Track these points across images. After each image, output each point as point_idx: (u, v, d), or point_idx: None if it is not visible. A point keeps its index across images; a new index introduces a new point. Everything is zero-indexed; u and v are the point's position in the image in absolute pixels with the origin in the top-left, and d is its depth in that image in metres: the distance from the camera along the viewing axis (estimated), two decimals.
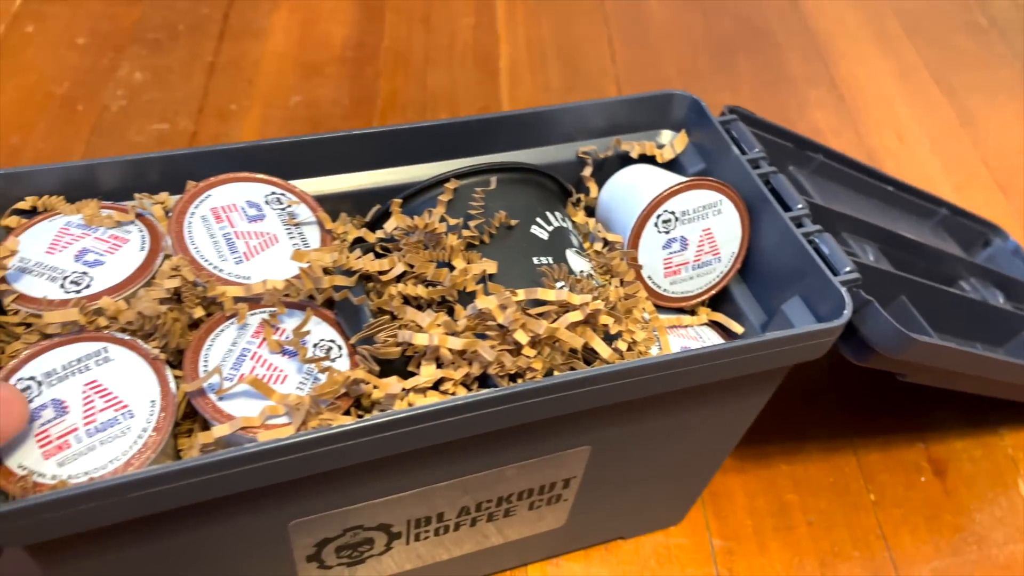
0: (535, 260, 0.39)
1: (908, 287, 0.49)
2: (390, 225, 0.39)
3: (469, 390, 0.37)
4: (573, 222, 0.45)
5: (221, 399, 0.34)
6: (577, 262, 0.41)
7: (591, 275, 0.40)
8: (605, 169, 0.49)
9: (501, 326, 0.35)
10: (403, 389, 0.35)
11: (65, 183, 0.39)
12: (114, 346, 0.35)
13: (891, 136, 0.84)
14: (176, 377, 0.35)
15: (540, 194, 0.43)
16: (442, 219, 0.39)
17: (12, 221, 0.38)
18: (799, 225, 0.43)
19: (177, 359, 0.36)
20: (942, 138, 0.84)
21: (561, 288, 0.37)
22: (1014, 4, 1.01)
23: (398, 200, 0.41)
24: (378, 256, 0.39)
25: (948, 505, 0.57)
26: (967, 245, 0.66)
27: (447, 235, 0.38)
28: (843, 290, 0.39)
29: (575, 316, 0.36)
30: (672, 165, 0.49)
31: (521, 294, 0.36)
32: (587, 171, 0.48)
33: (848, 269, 0.41)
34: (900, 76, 0.90)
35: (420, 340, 0.34)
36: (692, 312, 0.47)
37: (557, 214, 0.43)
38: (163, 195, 0.40)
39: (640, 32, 0.94)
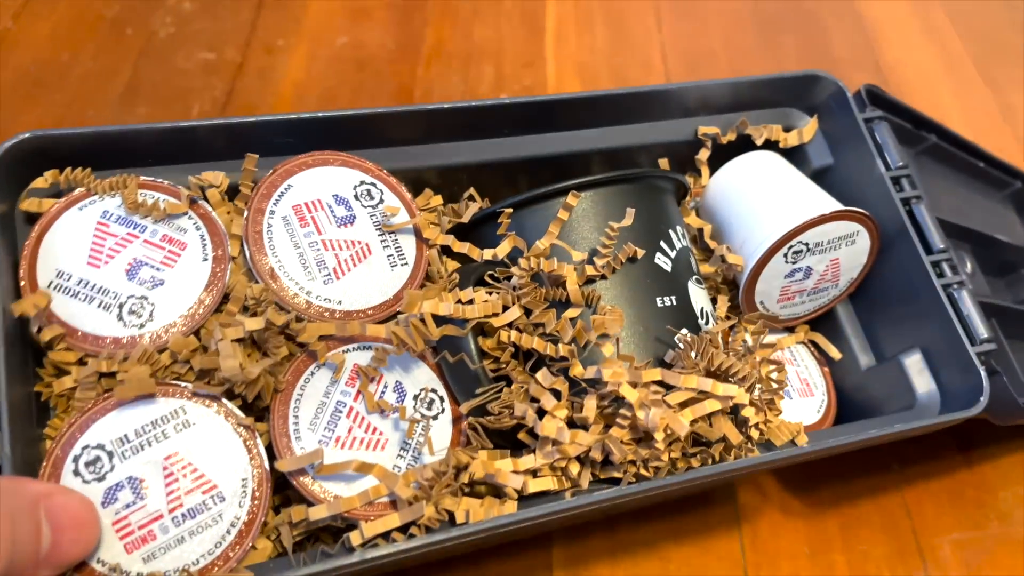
0: (659, 302, 0.34)
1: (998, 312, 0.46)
2: (503, 250, 0.33)
3: (583, 465, 0.31)
4: (685, 228, 0.39)
5: (314, 479, 0.27)
6: (698, 296, 0.36)
7: (713, 318, 0.36)
8: (726, 150, 0.42)
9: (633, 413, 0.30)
10: (514, 471, 0.29)
11: (94, 147, 0.30)
12: (193, 405, 0.28)
13: None
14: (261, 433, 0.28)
15: (666, 205, 0.37)
16: (559, 246, 0.33)
17: (33, 204, 0.28)
18: (939, 273, 0.38)
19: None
20: (984, 131, 0.83)
21: (695, 358, 0.32)
22: None
23: (508, 211, 0.34)
24: (485, 284, 0.32)
25: (971, 480, 0.57)
26: None
27: (565, 266, 0.32)
28: (982, 371, 0.35)
29: (713, 405, 0.31)
30: (795, 153, 0.43)
31: (658, 374, 0.31)
32: (704, 154, 0.42)
33: (985, 337, 0.37)
34: (945, 67, 0.90)
35: (548, 431, 0.29)
36: (790, 329, 0.42)
37: (679, 229, 0.37)
38: (219, 175, 0.31)
39: (688, 3, 0.92)
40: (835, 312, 0.42)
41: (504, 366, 0.32)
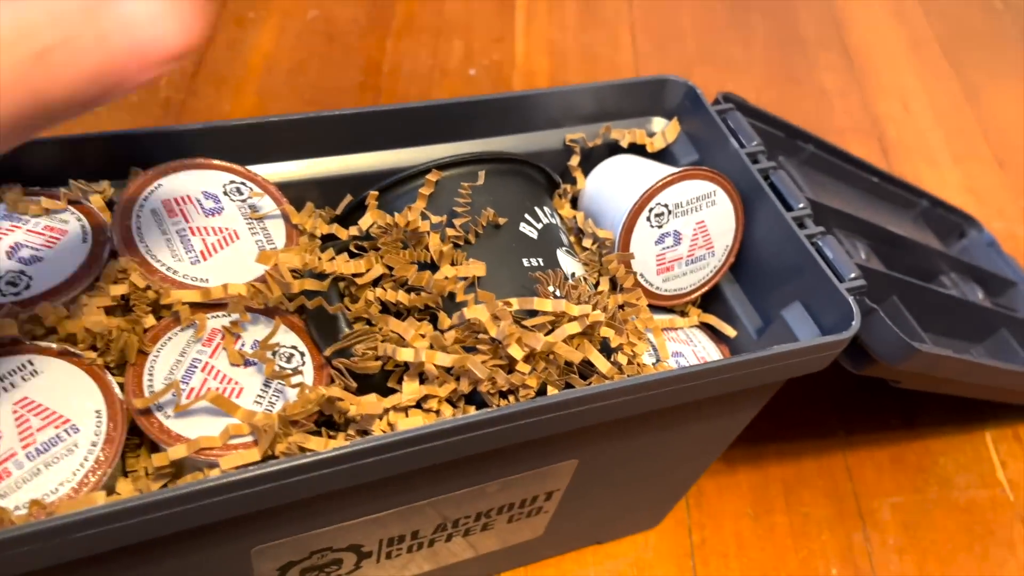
0: (525, 262, 0.36)
1: (898, 287, 0.48)
2: (366, 222, 0.35)
3: (455, 407, 0.33)
4: (561, 217, 0.42)
5: (170, 418, 0.30)
6: (568, 263, 0.38)
7: (584, 278, 0.37)
8: (593, 158, 0.45)
9: (493, 339, 0.32)
10: (384, 409, 0.31)
11: None
12: (40, 357, 0.31)
13: (896, 104, 0.84)
14: (120, 385, 0.31)
15: (528, 187, 0.40)
16: (424, 215, 0.35)
17: None
18: (801, 226, 0.40)
19: (123, 371, 0.32)
20: (946, 111, 0.85)
21: (556, 296, 0.34)
22: None
23: (374, 192, 0.37)
24: (352, 256, 0.35)
25: (914, 447, 0.58)
26: (944, 236, 0.65)
27: (429, 234, 0.35)
28: (851, 299, 0.37)
29: (573, 328, 0.33)
30: (664, 155, 0.46)
31: (515, 303, 0.33)
32: (574, 160, 0.45)
33: (853, 276, 0.38)
34: (911, 48, 0.91)
35: (404, 355, 0.31)
36: (683, 312, 0.44)
37: (546, 209, 0.39)
38: (103, 184, 0.35)
39: None
40: (721, 290, 0.43)
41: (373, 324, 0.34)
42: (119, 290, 0.31)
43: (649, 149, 0.45)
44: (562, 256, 0.38)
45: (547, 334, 0.33)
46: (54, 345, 0.31)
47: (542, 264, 0.36)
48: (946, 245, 0.65)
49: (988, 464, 0.58)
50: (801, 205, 0.40)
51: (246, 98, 0.70)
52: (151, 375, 0.31)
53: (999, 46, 0.93)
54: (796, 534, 0.53)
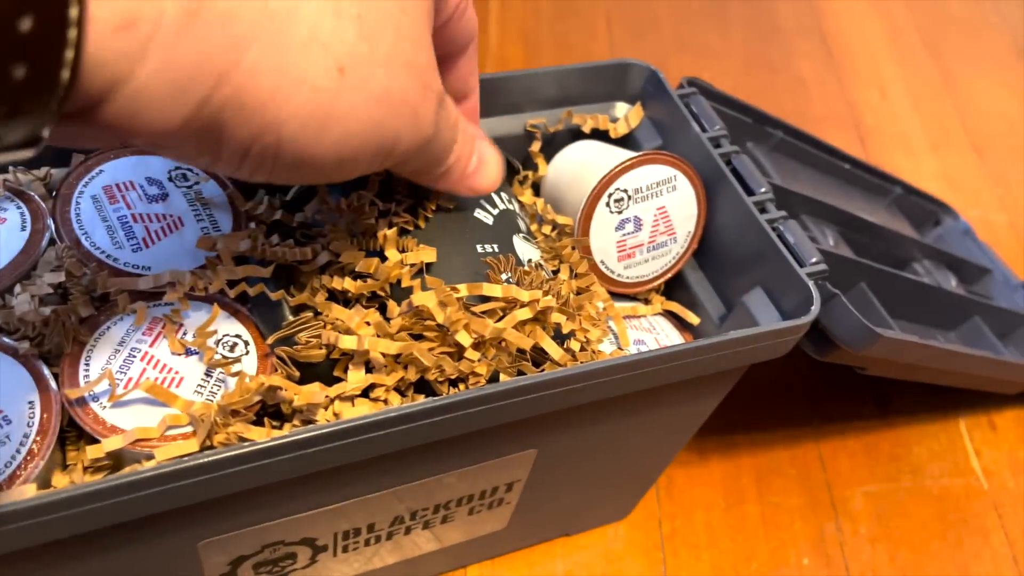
0: (479, 248, 0.35)
1: (867, 273, 0.47)
2: (312, 208, 0.35)
3: (403, 396, 0.33)
4: (520, 203, 0.41)
5: (105, 408, 0.30)
6: (525, 250, 0.37)
7: (540, 265, 0.37)
8: (555, 144, 0.45)
9: (441, 326, 0.31)
10: (327, 397, 0.30)
11: None
12: None
13: (874, 91, 0.84)
14: (55, 375, 0.31)
15: None
16: (372, 203, 0.34)
17: None
18: (762, 210, 0.39)
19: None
20: (924, 98, 0.84)
21: (508, 282, 0.33)
22: None
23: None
24: (299, 244, 0.34)
25: (887, 436, 0.58)
26: (918, 224, 0.64)
27: (377, 220, 0.34)
28: (811, 284, 0.36)
29: (524, 314, 0.32)
30: (626, 141, 0.45)
31: (463, 289, 0.32)
32: (535, 146, 0.44)
33: (815, 260, 0.38)
34: (890, 35, 0.91)
35: (346, 343, 0.30)
36: (646, 300, 0.43)
37: (503, 195, 0.38)
38: (43, 170, 0.34)
39: None
40: (685, 277, 0.43)
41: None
42: (55, 278, 0.31)
43: (612, 135, 0.45)
44: (519, 242, 0.37)
45: (498, 321, 0.32)
46: None
47: (496, 250, 0.35)
48: (921, 233, 0.64)
49: (962, 452, 0.58)
50: (763, 190, 0.40)
51: None
52: (87, 365, 0.30)
53: (978, 33, 0.93)
54: (767, 524, 0.53)
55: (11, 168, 0.34)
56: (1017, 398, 0.60)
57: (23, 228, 0.33)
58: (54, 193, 0.33)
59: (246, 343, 0.32)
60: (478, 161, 0.32)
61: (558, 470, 0.40)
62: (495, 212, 0.37)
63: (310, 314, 0.32)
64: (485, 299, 0.32)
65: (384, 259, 0.33)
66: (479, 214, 0.36)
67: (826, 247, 0.47)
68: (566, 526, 0.49)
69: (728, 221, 0.41)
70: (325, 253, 0.33)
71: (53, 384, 0.30)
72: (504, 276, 0.34)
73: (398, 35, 0.24)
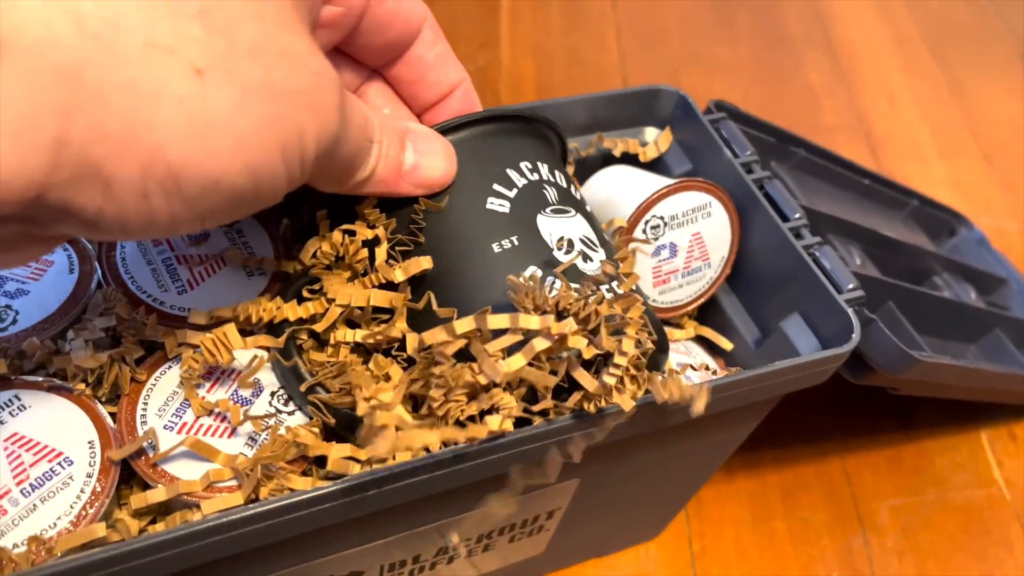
0: (495, 247, 0.31)
1: (893, 292, 0.48)
2: (307, 253, 0.32)
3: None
4: (554, 167, 0.35)
5: (159, 461, 0.30)
6: (556, 227, 0.32)
7: (583, 240, 0.33)
8: (587, 166, 0.45)
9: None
10: (357, 461, 0.30)
11: None
12: (28, 392, 0.30)
13: (883, 100, 0.84)
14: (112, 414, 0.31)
15: (502, 145, 0.34)
16: (349, 232, 0.32)
17: None
18: (798, 236, 0.40)
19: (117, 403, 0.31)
20: (932, 106, 0.85)
21: (528, 310, 0.29)
22: None
23: (323, 212, 0.33)
24: (302, 300, 0.33)
25: (910, 448, 0.58)
26: (934, 235, 0.65)
27: (375, 252, 0.32)
28: (850, 311, 0.37)
29: (541, 343, 0.29)
30: (656, 165, 0.45)
31: (460, 327, 0.28)
32: (569, 170, 0.44)
33: (852, 287, 0.38)
34: (896, 43, 0.91)
35: (381, 419, 0.29)
36: (679, 325, 0.44)
37: (524, 165, 0.33)
38: None
39: None
40: (718, 301, 0.43)
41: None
42: (106, 323, 0.31)
43: (641, 159, 0.45)
44: (546, 222, 0.33)
45: (510, 354, 0.29)
46: (42, 379, 0.30)
47: (516, 243, 0.32)
48: (937, 244, 0.65)
49: (984, 463, 0.58)
50: (797, 215, 0.40)
51: None
52: (145, 404, 0.31)
53: (983, 40, 0.93)
54: (796, 540, 0.53)
55: None
56: None
57: (71, 271, 0.33)
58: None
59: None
60: (416, 155, 0.30)
61: (597, 497, 0.41)
62: (512, 193, 0.33)
63: (335, 368, 0.32)
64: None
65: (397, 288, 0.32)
66: (492, 203, 0.32)
67: (854, 267, 0.47)
68: (599, 548, 0.49)
69: (762, 246, 0.41)
70: (334, 307, 0.32)
71: (110, 421, 0.30)
72: (528, 302, 0.30)
73: (262, 23, 0.22)
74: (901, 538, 0.54)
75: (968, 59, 0.90)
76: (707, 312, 0.44)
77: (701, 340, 0.44)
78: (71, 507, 0.28)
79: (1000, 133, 0.83)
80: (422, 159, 0.30)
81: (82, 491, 0.28)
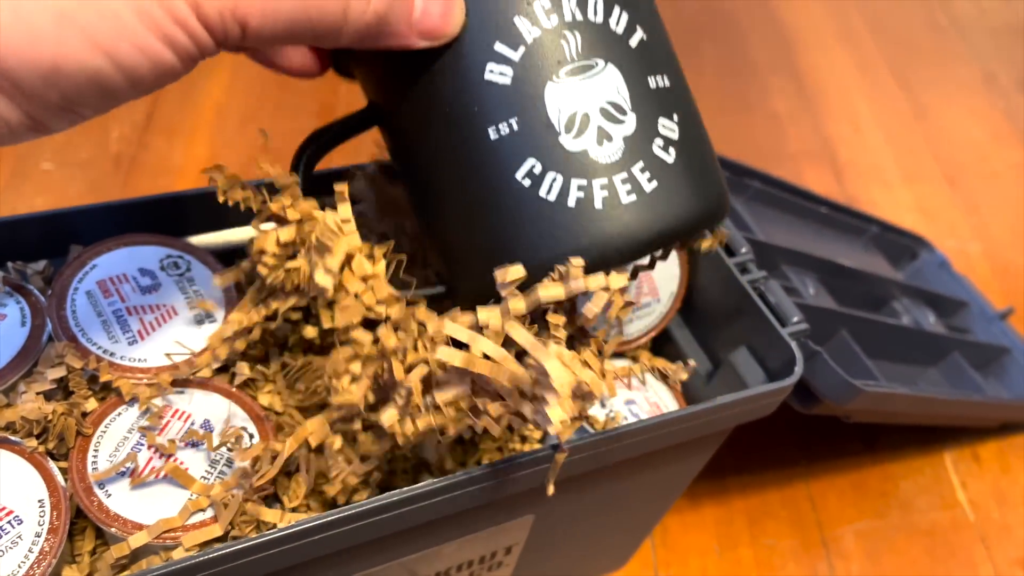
0: (492, 133, 0.25)
1: (847, 321, 0.49)
2: (266, 242, 0.28)
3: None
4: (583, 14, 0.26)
5: (111, 497, 0.30)
6: (562, 98, 0.25)
7: (593, 116, 0.25)
8: None
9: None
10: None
11: None
12: None
13: (847, 126, 0.86)
14: (63, 470, 0.31)
15: None
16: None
17: None
18: (744, 271, 0.41)
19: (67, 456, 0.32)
20: (896, 130, 0.86)
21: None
22: (975, 5, 1.04)
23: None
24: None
25: (875, 472, 0.59)
26: (896, 259, 0.66)
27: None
28: (793, 344, 0.37)
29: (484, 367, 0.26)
30: None
31: (430, 325, 0.25)
32: None
33: (796, 320, 0.39)
34: (860, 69, 0.93)
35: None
36: (634, 358, 0.44)
37: (541, 4, 0.25)
38: (42, 263, 0.35)
39: None
40: (671, 333, 0.44)
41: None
42: (56, 373, 0.31)
43: None
44: (555, 91, 0.25)
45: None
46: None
47: (516, 127, 0.25)
48: (898, 268, 0.66)
49: (948, 485, 0.59)
50: (744, 250, 0.41)
51: (198, 148, 0.69)
52: (95, 455, 0.31)
53: (945, 63, 0.95)
54: (761, 567, 0.54)
55: (8, 264, 0.35)
56: (999, 430, 0.61)
57: (23, 324, 0.33)
58: (49, 292, 0.34)
59: (251, 436, 0.33)
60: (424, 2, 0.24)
61: (555, 532, 0.41)
62: (518, 55, 0.25)
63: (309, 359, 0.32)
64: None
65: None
66: (491, 72, 0.25)
67: (807, 297, 0.48)
68: None
69: (710, 281, 0.42)
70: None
71: (61, 480, 0.30)
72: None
73: None
74: (866, 563, 0.54)
75: (931, 83, 0.92)
76: (661, 343, 0.45)
77: (657, 370, 0.44)
78: (19, 566, 0.28)
79: (963, 156, 0.84)
80: (433, 5, 0.24)
81: (30, 550, 0.29)
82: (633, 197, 0.25)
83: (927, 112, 0.89)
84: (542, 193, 0.25)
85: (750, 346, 0.40)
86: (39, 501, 0.30)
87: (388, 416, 0.27)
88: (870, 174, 0.81)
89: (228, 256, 0.38)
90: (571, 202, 0.25)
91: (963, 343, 0.57)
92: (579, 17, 0.25)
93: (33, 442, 0.31)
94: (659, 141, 0.26)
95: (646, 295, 0.42)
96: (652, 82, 0.26)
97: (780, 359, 0.38)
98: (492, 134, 0.25)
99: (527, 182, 0.25)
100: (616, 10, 0.26)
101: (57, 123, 0.22)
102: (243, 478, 0.30)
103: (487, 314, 0.25)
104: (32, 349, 0.33)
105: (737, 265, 0.40)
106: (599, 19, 0.26)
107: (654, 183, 0.26)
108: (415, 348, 0.26)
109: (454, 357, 0.25)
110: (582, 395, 0.25)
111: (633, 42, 0.26)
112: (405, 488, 0.30)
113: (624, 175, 0.25)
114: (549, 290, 0.25)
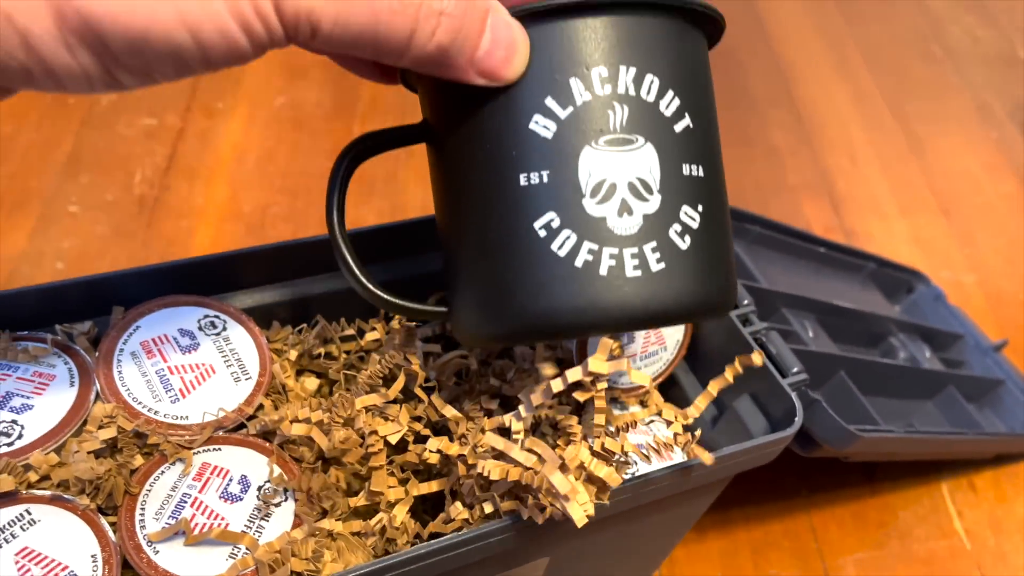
0: (523, 179, 0.26)
1: (844, 363, 0.51)
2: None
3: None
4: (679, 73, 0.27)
5: (159, 554, 0.33)
6: (595, 164, 0.26)
7: (619, 187, 0.26)
8: None
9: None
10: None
11: None
12: (37, 506, 0.32)
13: (844, 158, 0.88)
14: (112, 524, 0.33)
15: (577, 44, 0.26)
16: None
17: None
18: (746, 323, 0.43)
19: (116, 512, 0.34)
20: (892, 162, 0.89)
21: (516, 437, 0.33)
22: (969, 36, 1.06)
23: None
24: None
25: (874, 503, 0.61)
26: (892, 293, 0.68)
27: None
28: (794, 395, 0.40)
29: (516, 474, 0.32)
30: None
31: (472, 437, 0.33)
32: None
33: (796, 370, 0.41)
34: (856, 101, 0.95)
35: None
36: (643, 403, 0.46)
37: (599, 72, 0.26)
38: (87, 324, 0.37)
39: None
40: (678, 379, 0.46)
41: None
42: (107, 434, 0.33)
43: None
44: (590, 156, 0.26)
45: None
46: (48, 493, 0.33)
47: (545, 180, 0.26)
48: (895, 301, 0.68)
49: (945, 515, 0.61)
50: (746, 302, 0.43)
51: (218, 189, 0.72)
52: (143, 512, 0.33)
53: (939, 95, 0.98)
54: None
55: (56, 326, 0.37)
56: (994, 460, 0.63)
57: (72, 383, 0.36)
58: (96, 351, 0.36)
59: (285, 491, 0.35)
60: (491, 41, 0.25)
61: (568, 571, 0.43)
62: (565, 113, 0.26)
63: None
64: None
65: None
66: (536, 123, 0.26)
67: (806, 339, 0.50)
68: None
69: (714, 331, 0.44)
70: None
71: (111, 535, 0.32)
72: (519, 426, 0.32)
73: None
74: None
75: (926, 114, 0.94)
76: (668, 389, 0.47)
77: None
78: None
79: (957, 187, 0.87)
80: (497, 49, 0.25)
81: None
82: (638, 273, 0.27)
83: (922, 143, 0.91)
84: (554, 247, 0.27)
85: (753, 395, 0.42)
86: (92, 556, 0.32)
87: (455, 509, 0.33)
88: (867, 206, 0.84)
89: (265, 314, 0.41)
90: (579, 262, 0.26)
91: (958, 377, 0.60)
92: (632, 92, 0.26)
93: (85, 500, 0.33)
94: (677, 227, 0.27)
95: (653, 343, 0.44)
96: (686, 169, 0.27)
97: (781, 408, 0.40)
98: (523, 180, 0.26)
99: (543, 233, 0.26)
100: (669, 94, 0.27)
101: (132, 82, 0.23)
102: (288, 544, 0.33)
103: (517, 424, 0.31)
104: (81, 408, 0.35)
105: (739, 317, 0.43)
106: (651, 98, 0.27)
107: (661, 265, 0.27)
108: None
109: (495, 471, 0.31)
110: (599, 486, 0.29)
111: (678, 127, 0.27)
112: (433, 541, 0.32)
113: (635, 250, 0.27)
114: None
